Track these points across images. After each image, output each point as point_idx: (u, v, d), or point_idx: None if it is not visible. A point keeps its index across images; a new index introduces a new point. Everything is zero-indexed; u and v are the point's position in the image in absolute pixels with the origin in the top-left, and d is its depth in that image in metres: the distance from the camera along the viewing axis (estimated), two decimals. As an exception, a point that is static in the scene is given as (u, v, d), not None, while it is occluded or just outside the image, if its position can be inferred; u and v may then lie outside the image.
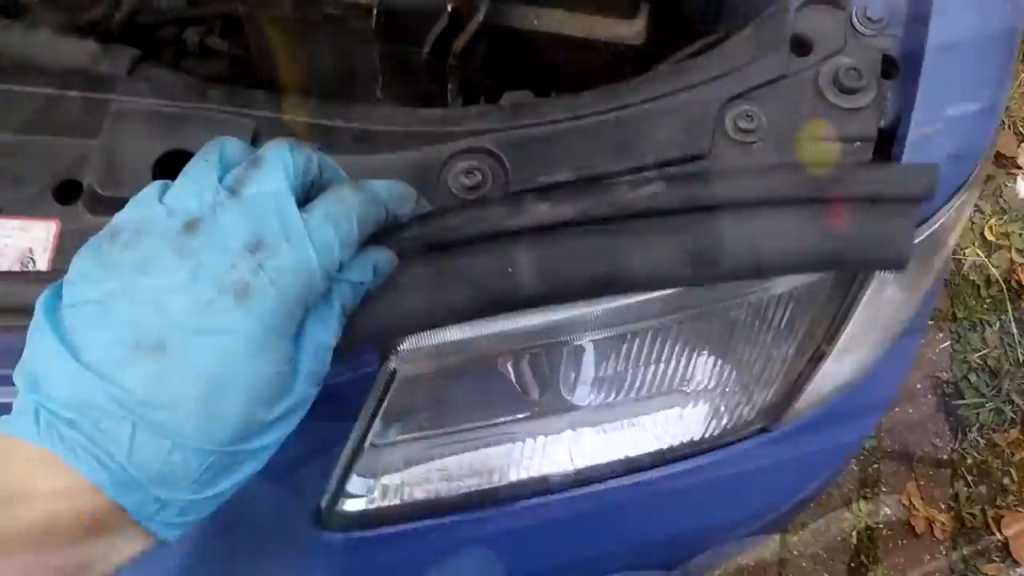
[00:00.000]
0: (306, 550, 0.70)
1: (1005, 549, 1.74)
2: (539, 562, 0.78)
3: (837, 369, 0.72)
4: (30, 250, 0.55)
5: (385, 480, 0.71)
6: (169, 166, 0.56)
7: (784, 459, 0.80)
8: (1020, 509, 1.78)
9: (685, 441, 0.75)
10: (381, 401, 0.60)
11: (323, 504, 0.68)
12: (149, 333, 0.39)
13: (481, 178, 0.57)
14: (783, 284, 0.65)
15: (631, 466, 0.75)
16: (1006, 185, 2.08)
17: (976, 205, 2.01)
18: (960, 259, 1.99)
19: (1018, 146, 2.13)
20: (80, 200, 0.56)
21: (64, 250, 0.55)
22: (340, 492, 0.68)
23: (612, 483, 0.74)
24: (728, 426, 0.75)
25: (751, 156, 0.59)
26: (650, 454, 0.75)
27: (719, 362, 0.70)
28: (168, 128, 0.58)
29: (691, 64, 0.63)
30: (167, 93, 0.60)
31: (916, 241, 0.66)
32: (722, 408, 0.74)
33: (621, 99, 0.61)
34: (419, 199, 0.52)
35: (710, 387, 0.72)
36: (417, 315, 0.52)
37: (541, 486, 0.73)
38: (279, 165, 0.43)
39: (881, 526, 1.76)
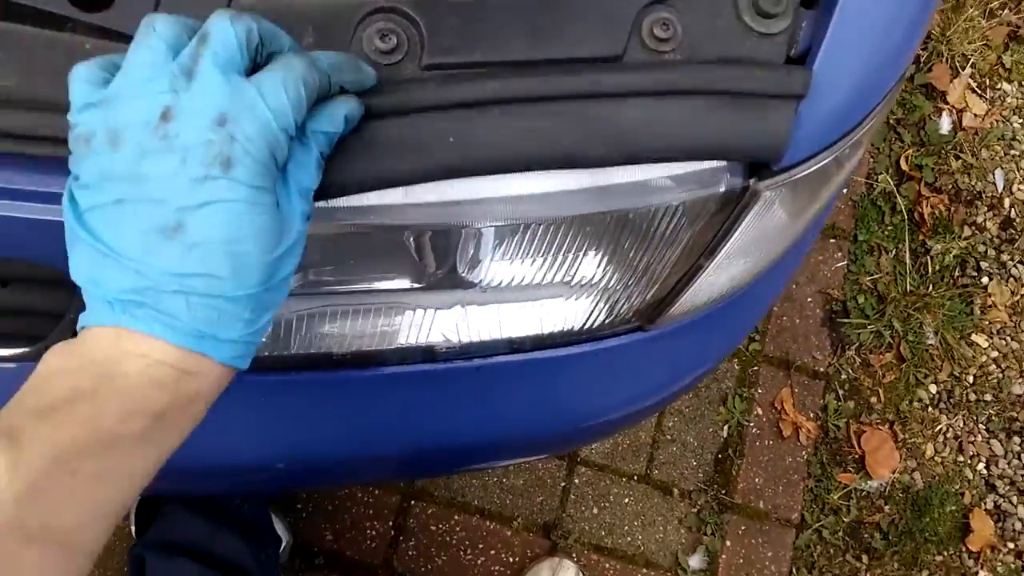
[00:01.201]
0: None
1: (860, 462, 1.88)
2: (425, 437, 0.83)
3: (713, 281, 0.77)
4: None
5: (280, 327, 0.74)
6: None
7: (655, 358, 0.86)
8: (881, 428, 1.91)
9: (566, 329, 0.79)
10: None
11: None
12: (166, 218, 0.45)
13: (396, 43, 0.57)
14: (675, 195, 0.68)
15: (513, 346, 0.79)
16: (931, 118, 2.12)
17: (898, 133, 2.07)
18: (872, 184, 2.05)
19: (951, 81, 2.16)
20: None
21: None
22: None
23: (493, 359, 0.78)
24: (606, 321, 0.79)
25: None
26: (532, 337, 0.79)
27: (605, 261, 0.73)
28: None
29: None
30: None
31: (807, 172, 0.70)
32: (602, 304, 0.78)
33: None
34: (363, 68, 0.54)
35: (594, 282, 0.75)
36: (368, 175, 0.56)
37: (427, 355, 0.77)
38: (223, 39, 0.46)
39: (751, 424, 1.87)
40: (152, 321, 0.46)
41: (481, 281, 0.75)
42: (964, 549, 1.86)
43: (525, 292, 0.77)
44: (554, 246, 0.71)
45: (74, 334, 0.49)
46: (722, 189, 0.68)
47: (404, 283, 0.75)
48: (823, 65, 0.63)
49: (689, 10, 0.62)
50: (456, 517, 1.75)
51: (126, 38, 0.55)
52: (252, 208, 0.46)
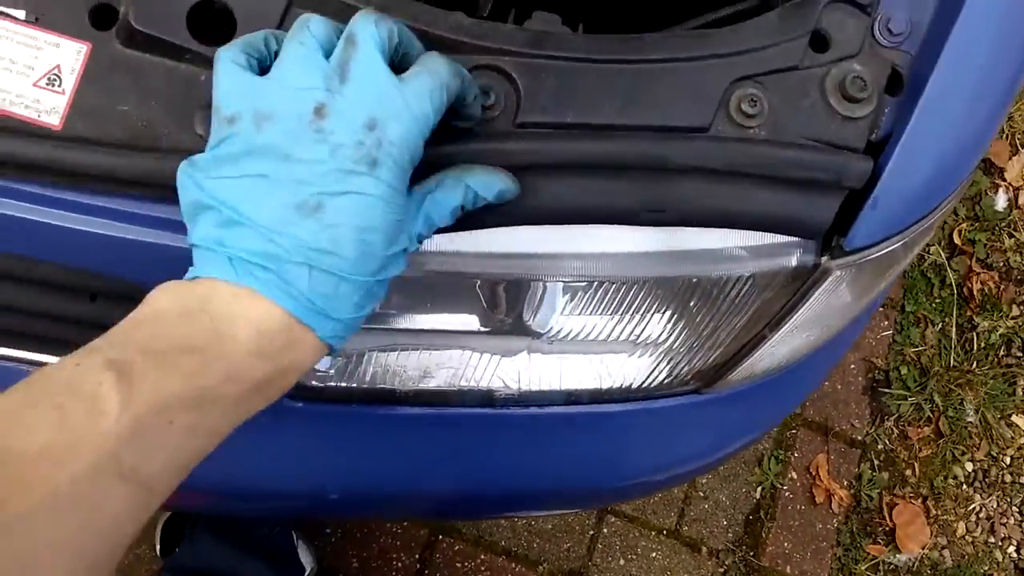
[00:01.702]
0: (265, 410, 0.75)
1: (891, 535, 1.86)
2: (474, 480, 0.84)
3: (775, 352, 0.78)
4: (58, 68, 0.58)
5: (347, 361, 0.76)
6: (200, 17, 0.57)
7: (707, 421, 0.87)
8: (914, 502, 1.89)
9: (624, 386, 0.80)
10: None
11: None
12: (308, 198, 0.49)
13: (494, 100, 0.60)
14: (746, 265, 0.69)
15: (570, 398, 0.80)
16: (987, 193, 2.12)
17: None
18: (923, 255, 2.05)
19: (1010, 158, 2.16)
20: (115, 28, 0.58)
21: (90, 78, 0.57)
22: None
23: (549, 409, 0.80)
24: (665, 381, 0.80)
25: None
26: (590, 391, 0.80)
27: (672, 322, 0.75)
28: None
29: (715, 32, 0.65)
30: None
31: (877, 255, 0.71)
32: (664, 364, 0.79)
33: (641, 52, 0.63)
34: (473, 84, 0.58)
35: (658, 342, 0.77)
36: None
37: (486, 400, 0.78)
38: (372, 43, 0.51)
39: (785, 488, 1.86)
40: (274, 286, 0.49)
41: (547, 331, 0.76)
42: (990, 633, 1.83)
43: (589, 346, 0.78)
44: (623, 305, 0.73)
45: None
46: (793, 263, 0.70)
47: (471, 326, 0.77)
48: (903, 151, 0.65)
49: (778, 89, 0.64)
50: (482, 556, 1.75)
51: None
52: (386, 204, 0.50)
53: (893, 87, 0.67)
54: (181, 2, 0.57)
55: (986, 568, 1.87)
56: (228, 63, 0.51)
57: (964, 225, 2.08)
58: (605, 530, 1.79)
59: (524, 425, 0.81)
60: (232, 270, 0.49)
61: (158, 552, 1.62)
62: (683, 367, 0.79)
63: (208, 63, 0.59)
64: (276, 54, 0.53)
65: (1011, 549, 1.90)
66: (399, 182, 0.51)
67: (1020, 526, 1.91)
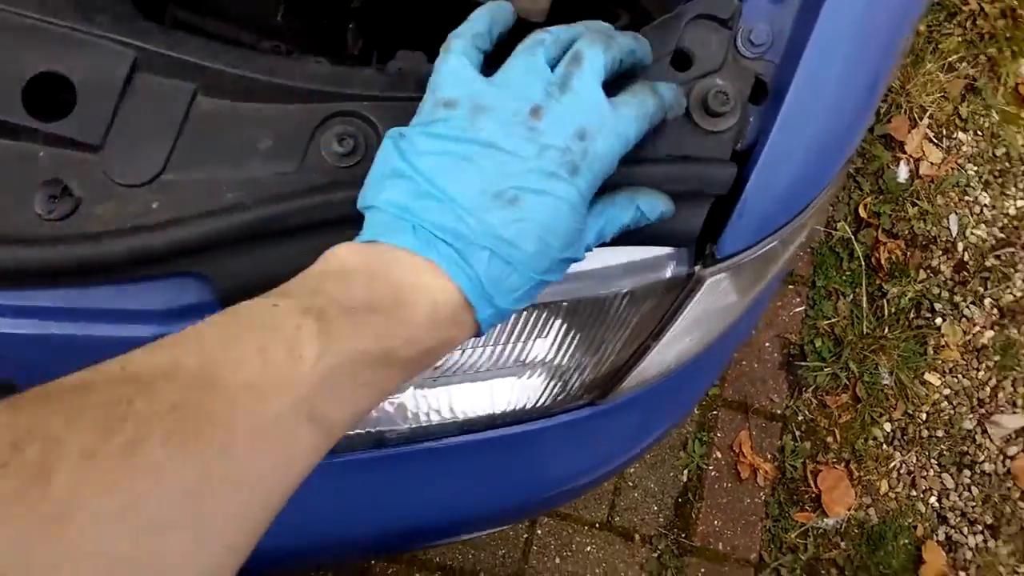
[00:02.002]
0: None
1: (817, 501, 1.90)
2: (376, 519, 0.83)
3: (661, 359, 0.78)
4: None
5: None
6: (40, 88, 0.55)
7: (607, 430, 0.87)
8: (837, 466, 1.94)
9: (518, 408, 0.80)
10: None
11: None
12: (507, 189, 0.51)
13: (354, 146, 0.58)
14: (624, 282, 0.69)
15: (464, 428, 0.79)
16: (889, 167, 2.17)
17: (857, 182, 2.11)
18: (831, 232, 2.09)
19: (909, 131, 2.22)
20: None
21: None
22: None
23: (444, 441, 0.79)
24: (559, 398, 0.80)
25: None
26: (484, 418, 0.79)
27: (557, 343, 0.74)
28: (46, 47, 0.56)
29: None
30: (51, 11, 0.58)
31: (754, 256, 0.72)
32: (554, 382, 0.78)
33: None
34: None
35: (545, 362, 0.76)
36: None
37: (377, 443, 0.77)
38: (595, 65, 0.54)
39: (710, 468, 1.89)
40: (454, 263, 0.51)
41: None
42: (919, 583, 1.89)
43: (476, 374, 0.77)
44: (505, 332, 0.72)
45: None
46: (668, 275, 0.70)
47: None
48: (767, 158, 0.65)
49: None
50: (417, 575, 1.74)
51: (82, 146, 0.55)
52: (573, 211, 0.53)
53: (758, 96, 0.67)
54: (16, 77, 0.55)
55: (910, 520, 1.93)
56: (458, 55, 0.55)
57: (869, 199, 2.13)
58: (539, 531, 1.80)
59: (420, 459, 0.80)
60: (416, 240, 0.51)
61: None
62: (574, 383, 0.79)
63: (46, 139, 0.56)
64: (498, 42, 0.57)
65: (932, 499, 1.96)
66: (589, 193, 0.54)
67: (939, 477, 1.97)
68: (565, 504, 1.75)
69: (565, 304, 0.71)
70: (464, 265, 0.51)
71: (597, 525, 1.82)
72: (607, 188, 0.57)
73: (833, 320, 2.02)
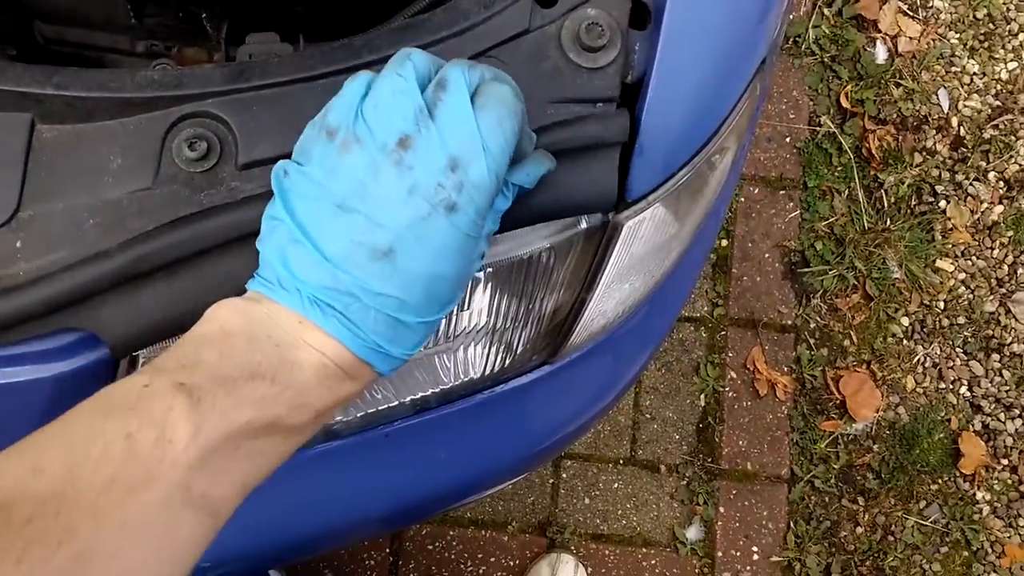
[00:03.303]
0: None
1: (842, 407, 1.88)
2: (339, 511, 0.82)
3: (602, 309, 0.76)
4: None
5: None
6: None
7: (573, 383, 0.85)
8: (858, 369, 1.90)
9: (468, 378, 0.78)
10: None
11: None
12: (381, 239, 0.48)
13: (207, 148, 0.56)
14: (541, 242, 0.67)
15: (418, 406, 0.78)
16: (865, 50, 2.09)
17: (834, 71, 2.04)
18: (815, 128, 2.03)
19: (880, 8, 2.13)
20: None
21: None
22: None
23: (400, 424, 0.78)
24: (508, 363, 0.78)
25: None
26: (436, 394, 0.78)
27: (487, 309, 0.72)
28: None
29: (429, 17, 0.61)
30: None
31: (679, 185, 0.69)
32: (496, 348, 0.77)
33: (355, 56, 0.59)
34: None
35: (479, 330, 0.74)
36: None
37: (329, 434, 0.76)
38: (461, 87, 0.50)
39: (727, 389, 1.87)
40: (339, 325, 0.48)
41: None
42: (958, 474, 1.87)
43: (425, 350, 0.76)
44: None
45: None
46: (584, 226, 0.67)
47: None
48: (658, 87, 0.62)
49: (514, 59, 0.61)
50: (451, 532, 1.76)
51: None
52: (460, 254, 0.50)
53: (641, 21, 0.64)
54: None
55: (943, 414, 1.90)
56: (364, 79, 0.51)
57: (849, 87, 2.06)
58: (564, 475, 1.80)
59: (379, 444, 0.79)
60: (300, 301, 0.49)
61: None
62: (517, 347, 0.77)
63: None
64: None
65: (963, 389, 1.92)
66: (475, 229, 0.50)
67: (967, 365, 1.94)
68: (559, 453, 1.75)
69: (489, 270, 0.69)
70: (350, 326, 0.49)
71: (621, 461, 1.81)
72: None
73: (831, 220, 1.97)
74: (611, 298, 0.76)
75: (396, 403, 0.77)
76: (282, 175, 0.51)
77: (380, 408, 0.77)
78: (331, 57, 0.59)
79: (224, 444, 0.45)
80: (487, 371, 0.79)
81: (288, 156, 0.58)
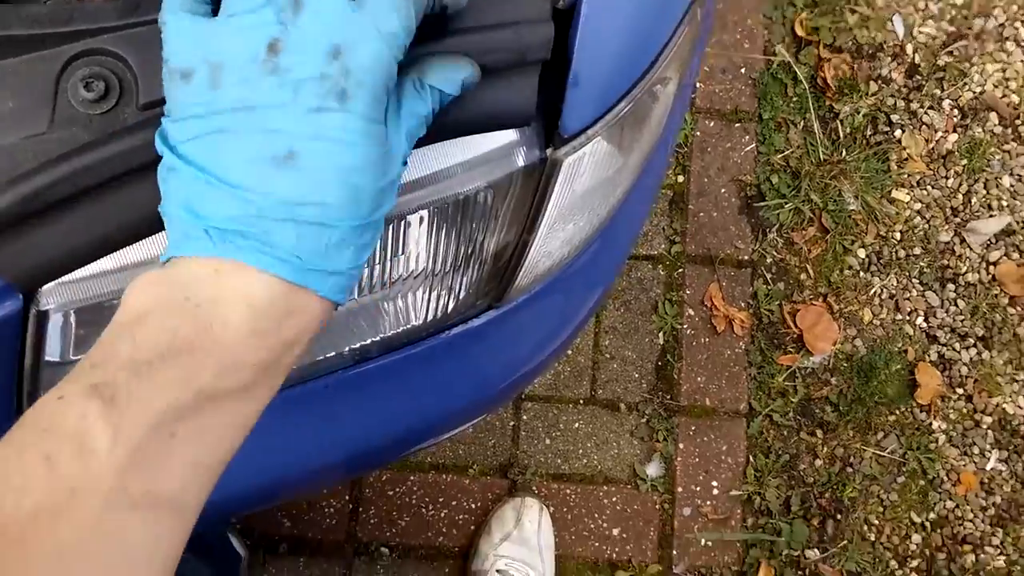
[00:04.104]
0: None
1: (800, 341, 1.88)
2: (291, 461, 0.80)
3: (547, 249, 0.73)
4: None
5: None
6: None
7: (522, 327, 0.83)
8: (815, 303, 1.90)
9: (411, 325, 0.76)
10: (37, 345, 0.58)
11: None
12: (279, 147, 0.44)
13: (105, 88, 0.52)
14: (473, 180, 0.64)
15: (359, 356, 0.75)
16: (819, -25, 2.05)
17: (789, -1, 2.00)
18: (770, 58, 2.00)
19: (834, -66, 2.09)
20: None
21: None
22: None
23: (341, 374, 0.75)
24: (451, 308, 0.76)
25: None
26: (377, 342, 0.75)
27: (424, 251, 0.69)
28: None
29: None
30: None
31: (619, 118, 0.66)
32: (437, 292, 0.74)
33: None
34: None
35: (419, 274, 0.72)
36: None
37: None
38: None
39: (685, 326, 1.86)
40: (258, 252, 0.44)
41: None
42: (915, 404, 1.88)
43: (352, 300, 0.73)
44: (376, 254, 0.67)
45: None
46: (520, 164, 0.64)
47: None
48: (590, 11, 0.59)
49: None
50: (412, 478, 1.75)
51: None
52: (366, 139, 0.46)
53: None
54: None
55: (900, 345, 1.90)
56: (175, 12, 0.46)
57: (803, 15, 2.02)
58: (524, 416, 1.79)
59: (318, 395, 0.76)
60: (210, 242, 0.44)
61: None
62: (460, 292, 0.75)
63: None
64: None
65: (919, 320, 1.93)
66: (375, 111, 0.46)
67: (923, 296, 1.94)
68: (514, 396, 1.74)
69: (423, 212, 0.66)
70: (270, 249, 0.44)
71: (581, 401, 1.81)
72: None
73: (787, 152, 1.95)
74: (555, 238, 0.73)
75: (333, 353, 0.74)
76: (162, 131, 0.47)
77: (317, 359, 0.74)
78: None
79: (153, 435, 0.41)
80: (429, 317, 0.76)
81: None
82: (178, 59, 0.46)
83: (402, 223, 0.66)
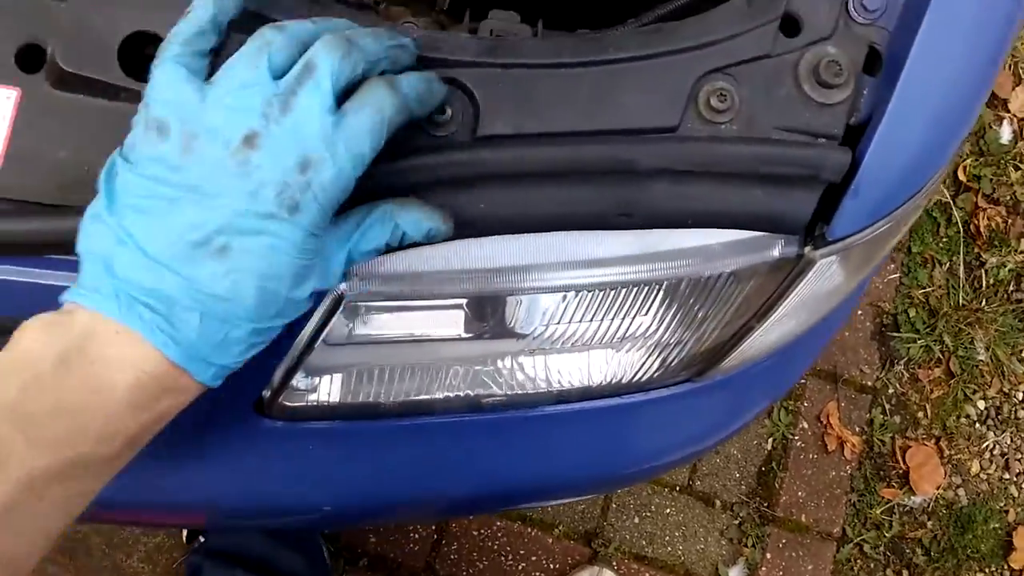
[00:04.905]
0: (246, 434, 0.75)
1: (905, 477, 1.86)
2: (467, 481, 0.84)
3: (764, 340, 0.76)
4: (-13, 117, 0.54)
5: (328, 379, 0.75)
6: (135, 48, 0.53)
7: (703, 408, 0.86)
8: (927, 443, 1.89)
9: (614, 381, 0.79)
10: (326, 322, 0.63)
11: (266, 395, 0.72)
12: (215, 236, 0.45)
13: (451, 114, 0.57)
14: (726, 262, 0.67)
15: (560, 398, 0.79)
16: (991, 127, 2.07)
17: (955, 143, 2.02)
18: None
19: (1013, 89, 2.11)
20: (43, 70, 0.53)
21: (23, 125, 0.53)
22: (285, 386, 0.72)
23: (540, 410, 0.79)
24: (656, 374, 0.79)
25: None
26: (579, 389, 0.79)
27: (657, 320, 0.73)
28: (136, 5, 0.53)
29: (679, 25, 0.62)
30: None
31: (865, 239, 0.69)
32: (653, 357, 0.77)
33: (602, 52, 0.60)
34: (435, 92, 0.53)
35: (646, 336, 0.75)
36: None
37: (474, 406, 0.77)
38: (328, 77, 0.46)
39: (796, 438, 1.86)
40: (158, 330, 0.45)
41: (531, 334, 0.75)
42: (1007, 566, 1.84)
43: (576, 345, 0.77)
44: (606, 307, 0.71)
45: None
46: (776, 255, 0.68)
47: (454, 333, 0.75)
48: (883, 135, 0.62)
49: (749, 80, 0.62)
50: (498, 523, 1.77)
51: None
52: (299, 251, 0.46)
53: (871, 66, 0.64)
54: (111, 37, 0.53)
55: (1002, 504, 1.87)
56: (171, 65, 0.46)
57: (968, 161, 2.04)
58: (618, 491, 1.80)
59: (516, 425, 0.80)
60: (117, 307, 0.45)
61: (184, 539, 1.64)
62: (672, 360, 0.78)
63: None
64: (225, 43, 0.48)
65: (1026, 484, 1.90)
66: (318, 228, 0.47)
67: (1035, 460, 1.91)
68: (650, 479, 1.75)
69: (667, 283, 0.70)
70: (172, 332, 0.45)
71: (677, 488, 1.81)
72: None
73: (928, 289, 1.95)
74: (775, 331, 0.76)
75: (543, 390, 0.78)
76: (110, 171, 0.47)
77: (528, 391, 0.78)
78: (580, 49, 0.60)
79: (24, 496, 0.42)
80: (635, 378, 0.79)
81: (525, 136, 0.59)
82: (156, 109, 0.46)
83: (646, 288, 0.70)
